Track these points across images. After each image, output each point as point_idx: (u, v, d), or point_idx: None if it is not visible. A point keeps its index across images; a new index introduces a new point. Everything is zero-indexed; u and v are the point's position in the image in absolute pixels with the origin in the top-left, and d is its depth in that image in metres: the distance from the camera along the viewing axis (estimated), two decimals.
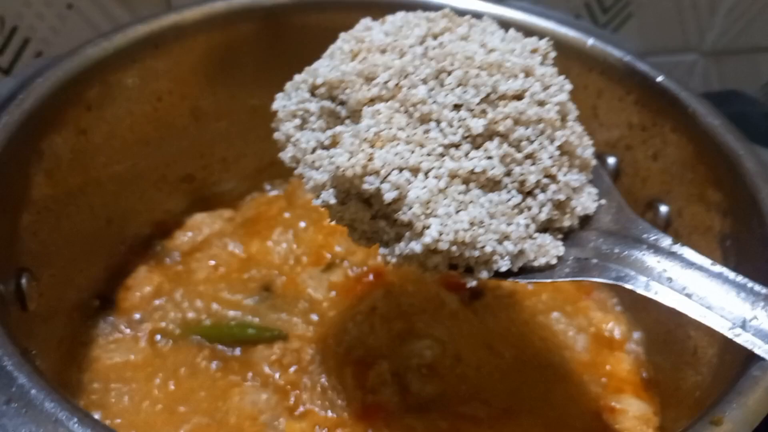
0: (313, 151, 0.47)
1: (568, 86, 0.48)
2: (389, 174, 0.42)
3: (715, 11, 1.11)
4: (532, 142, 0.45)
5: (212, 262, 0.71)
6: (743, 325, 0.41)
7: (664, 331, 0.65)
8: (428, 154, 0.43)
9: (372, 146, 0.42)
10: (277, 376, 0.61)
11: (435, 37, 0.48)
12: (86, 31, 0.81)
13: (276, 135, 0.49)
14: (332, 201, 0.44)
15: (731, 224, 0.57)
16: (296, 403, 0.60)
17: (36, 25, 0.80)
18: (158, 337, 0.64)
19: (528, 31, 0.69)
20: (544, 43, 0.50)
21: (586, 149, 0.49)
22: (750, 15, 1.14)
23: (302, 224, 0.76)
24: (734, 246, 0.57)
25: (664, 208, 0.65)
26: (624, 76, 0.66)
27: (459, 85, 0.45)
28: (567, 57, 0.67)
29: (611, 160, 0.69)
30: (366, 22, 0.51)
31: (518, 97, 0.45)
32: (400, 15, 0.51)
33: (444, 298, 0.67)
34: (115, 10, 0.82)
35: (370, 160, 0.42)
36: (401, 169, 0.42)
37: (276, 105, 0.50)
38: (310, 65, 0.75)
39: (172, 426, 0.56)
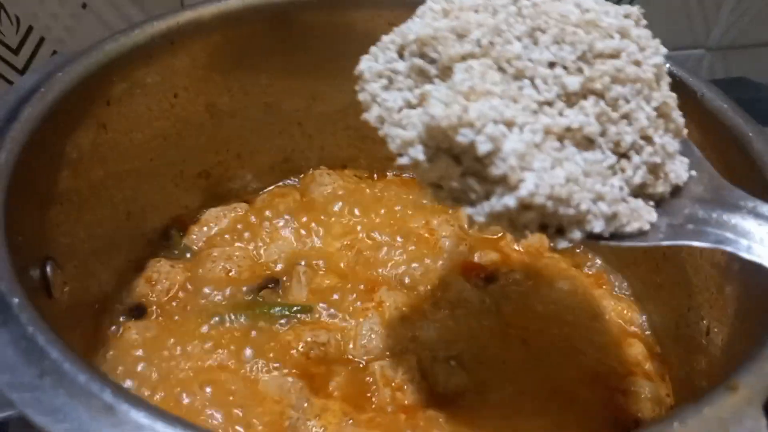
0: (400, 110, 0.45)
1: (664, 50, 0.48)
2: (485, 126, 0.40)
3: (721, 6, 1.12)
4: (628, 101, 0.44)
5: (227, 256, 0.72)
6: None
7: (677, 315, 0.66)
8: (522, 110, 0.42)
9: (466, 99, 0.41)
10: (303, 363, 0.62)
11: None
12: (100, 30, 0.82)
13: (361, 96, 0.47)
14: (421, 157, 0.43)
15: None
16: (321, 391, 0.61)
17: (51, 25, 0.81)
18: (180, 327, 0.65)
19: None
20: (636, 10, 0.49)
21: (680, 115, 0.48)
22: (756, 9, 1.14)
23: (313, 222, 0.77)
24: None
25: None
26: None
27: (554, 43, 0.44)
28: None
29: None
30: None
31: (614, 56, 0.45)
32: None
33: (456, 285, 0.69)
34: (129, 10, 0.83)
35: (465, 111, 0.40)
36: (496, 122, 0.40)
37: (362, 65, 0.48)
38: (320, 64, 0.78)
39: (198, 405, 0.57)
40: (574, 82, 0.43)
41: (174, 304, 0.68)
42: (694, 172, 0.48)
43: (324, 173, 0.84)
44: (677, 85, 0.63)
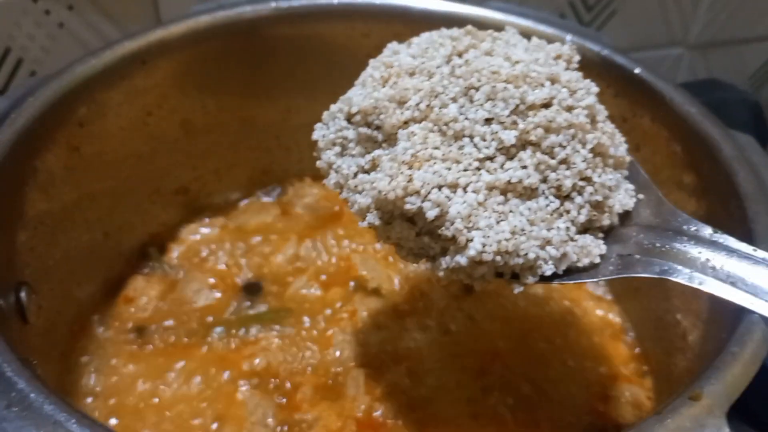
0: (355, 175, 0.48)
1: (595, 89, 0.49)
2: (429, 193, 0.43)
3: (698, 4, 1.12)
4: (564, 147, 0.46)
5: (206, 271, 0.73)
6: None
7: (655, 317, 0.66)
8: (465, 170, 0.44)
9: (410, 168, 0.44)
10: (272, 378, 0.63)
11: (460, 55, 0.50)
12: (78, 49, 0.82)
13: (318, 163, 0.51)
14: (377, 222, 0.46)
15: (706, 208, 0.58)
16: (292, 405, 0.61)
17: (28, 46, 0.81)
18: (159, 344, 0.65)
19: None
20: (567, 49, 0.51)
21: (619, 147, 0.50)
22: (733, 6, 1.14)
23: (294, 233, 0.78)
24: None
25: None
26: (602, 70, 0.67)
27: (488, 100, 0.46)
28: None
29: None
30: (393, 46, 0.53)
31: (546, 105, 0.47)
32: (425, 36, 0.53)
33: (432, 294, 0.69)
34: (106, 29, 0.83)
35: (410, 181, 0.43)
36: (440, 187, 0.43)
37: (316, 135, 0.51)
38: (293, 76, 0.78)
39: (172, 425, 0.58)
40: (510, 137, 0.45)
41: (153, 321, 0.68)
42: (641, 196, 0.50)
43: (305, 185, 0.85)
44: (645, 89, 0.64)
